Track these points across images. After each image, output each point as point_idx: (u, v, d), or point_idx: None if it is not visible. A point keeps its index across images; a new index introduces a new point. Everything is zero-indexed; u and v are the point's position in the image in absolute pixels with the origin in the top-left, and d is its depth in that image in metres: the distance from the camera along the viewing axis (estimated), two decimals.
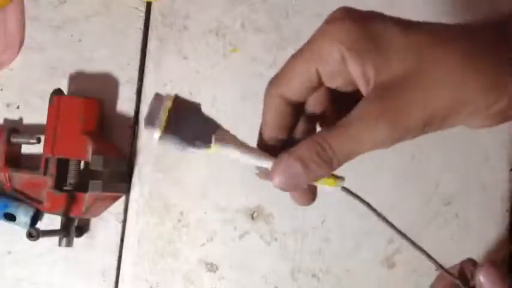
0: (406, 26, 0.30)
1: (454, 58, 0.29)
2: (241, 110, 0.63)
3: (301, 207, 0.62)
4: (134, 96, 0.66)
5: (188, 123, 0.33)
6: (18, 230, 0.63)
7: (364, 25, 0.30)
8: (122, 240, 0.64)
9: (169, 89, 0.65)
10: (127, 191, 0.64)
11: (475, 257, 0.59)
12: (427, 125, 0.30)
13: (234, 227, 0.62)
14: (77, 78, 0.67)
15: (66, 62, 0.67)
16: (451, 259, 0.60)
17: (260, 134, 0.37)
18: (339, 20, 0.31)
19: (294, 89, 0.33)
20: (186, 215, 0.63)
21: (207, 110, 0.67)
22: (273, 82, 0.34)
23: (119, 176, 0.63)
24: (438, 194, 0.60)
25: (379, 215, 0.37)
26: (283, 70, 0.34)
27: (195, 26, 0.65)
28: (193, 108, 0.34)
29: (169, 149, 0.32)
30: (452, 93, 0.29)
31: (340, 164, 0.31)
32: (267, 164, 0.33)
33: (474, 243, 0.59)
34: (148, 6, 0.67)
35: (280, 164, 0.32)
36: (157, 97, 0.32)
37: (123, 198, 0.65)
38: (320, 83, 0.33)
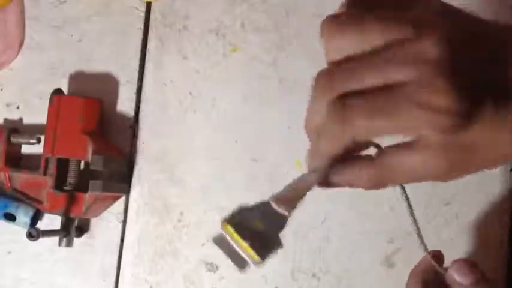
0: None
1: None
2: (241, 110, 0.63)
3: (301, 207, 0.62)
4: (134, 96, 0.66)
5: (257, 229, 0.33)
6: (18, 230, 0.63)
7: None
8: (122, 240, 0.64)
9: (169, 89, 0.65)
10: (127, 191, 0.64)
11: (475, 257, 0.59)
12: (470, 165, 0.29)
13: None
14: (77, 78, 0.67)
15: (66, 62, 0.67)
16: (451, 259, 0.60)
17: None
18: None
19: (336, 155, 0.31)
20: (186, 215, 0.63)
21: (207, 110, 0.67)
22: (313, 157, 0.34)
23: (118, 176, 0.63)
24: (438, 194, 0.60)
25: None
26: (317, 147, 0.33)
27: (195, 26, 0.65)
28: (245, 214, 0.33)
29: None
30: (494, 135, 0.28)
31: (385, 183, 0.30)
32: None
33: (474, 243, 0.59)
34: (148, 6, 0.67)
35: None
36: (220, 239, 0.33)
37: (123, 198, 0.65)
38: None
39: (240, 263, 0.31)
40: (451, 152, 0.28)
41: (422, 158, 0.28)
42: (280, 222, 0.32)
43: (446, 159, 0.28)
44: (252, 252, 0.30)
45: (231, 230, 0.32)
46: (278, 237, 0.32)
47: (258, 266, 0.30)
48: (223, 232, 0.32)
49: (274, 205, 0.32)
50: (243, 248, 0.31)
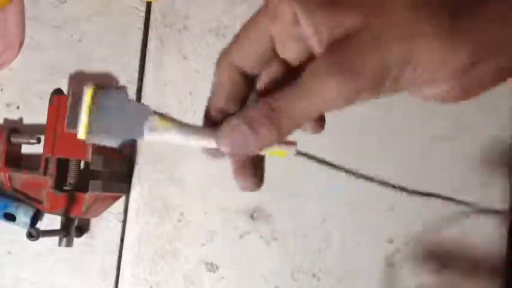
0: None
1: (406, 3, 0.26)
2: None
3: (301, 207, 0.62)
4: (134, 96, 0.66)
5: (114, 115, 0.30)
6: (18, 230, 0.63)
7: None
8: (122, 240, 0.64)
9: (169, 89, 0.65)
10: (127, 191, 0.64)
11: (475, 256, 0.59)
12: (379, 82, 0.26)
13: (234, 227, 0.62)
14: (77, 78, 0.67)
15: (66, 62, 0.67)
16: (452, 259, 0.60)
17: (207, 107, 0.33)
18: None
19: (246, 56, 0.31)
20: (186, 215, 0.63)
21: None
22: (226, 49, 0.32)
23: (118, 176, 0.63)
24: (438, 192, 0.60)
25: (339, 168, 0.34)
26: (236, 37, 0.31)
27: (195, 26, 0.65)
28: (118, 98, 0.30)
29: (102, 144, 0.29)
30: (403, 44, 0.26)
31: (291, 127, 0.28)
32: (214, 142, 0.30)
33: (474, 243, 0.59)
34: (148, 6, 0.67)
35: (227, 126, 0.29)
36: (75, 93, 0.30)
37: (123, 198, 0.65)
38: (274, 52, 0.31)
39: (71, 122, 0.29)
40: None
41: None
42: (135, 132, 0.29)
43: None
44: (86, 122, 0.29)
45: (90, 94, 0.29)
46: (119, 137, 0.29)
47: (80, 136, 0.29)
48: (84, 89, 0.29)
49: (151, 118, 0.30)
50: (84, 112, 0.29)
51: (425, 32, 0.25)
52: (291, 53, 0.31)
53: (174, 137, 0.30)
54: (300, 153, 0.33)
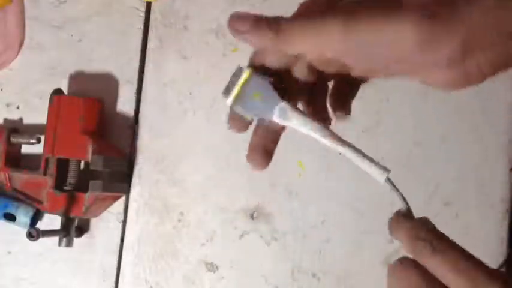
0: None
1: None
2: None
3: (301, 207, 0.62)
4: (134, 96, 0.66)
5: (256, 95, 0.36)
6: (18, 230, 0.63)
7: None
8: (122, 240, 0.64)
9: (169, 89, 0.65)
10: (127, 191, 0.64)
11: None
12: (372, 48, 0.27)
13: (234, 227, 0.62)
14: (77, 78, 0.67)
15: (66, 62, 0.67)
16: None
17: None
18: None
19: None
20: (186, 215, 0.63)
21: (207, 110, 0.67)
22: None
23: (119, 176, 0.63)
24: (438, 194, 0.60)
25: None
26: None
27: (195, 26, 0.65)
28: (265, 81, 0.36)
29: (241, 115, 0.36)
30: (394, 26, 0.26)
31: (286, 48, 0.32)
32: (326, 141, 0.34)
33: (474, 243, 0.59)
34: (148, 6, 0.67)
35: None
36: (239, 70, 0.37)
37: (123, 198, 0.65)
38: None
39: (226, 91, 0.36)
40: None
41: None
42: (266, 114, 0.36)
43: None
44: (235, 94, 0.36)
45: (247, 74, 0.36)
46: (254, 114, 0.36)
47: (228, 102, 0.36)
48: (243, 69, 0.37)
49: (281, 105, 0.35)
50: (237, 87, 0.36)
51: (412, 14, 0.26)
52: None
53: (294, 126, 0.35)
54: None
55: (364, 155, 0.35)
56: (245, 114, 0.36)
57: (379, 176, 0.36)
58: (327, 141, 0.34)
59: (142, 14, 0.67)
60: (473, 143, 0.60)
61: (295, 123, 0.35)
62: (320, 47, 0.29)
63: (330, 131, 0.34)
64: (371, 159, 0.35)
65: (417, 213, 0.54)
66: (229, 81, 0.37)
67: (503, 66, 0.27)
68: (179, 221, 0.63)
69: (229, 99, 0.36)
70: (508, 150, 0.60)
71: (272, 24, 0.33)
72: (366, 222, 0.61)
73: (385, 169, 0.36)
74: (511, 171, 0.60)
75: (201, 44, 0.65)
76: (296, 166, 0.61)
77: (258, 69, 0.36)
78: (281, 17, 0.33)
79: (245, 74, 0.36)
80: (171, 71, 0.65)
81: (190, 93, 0.65)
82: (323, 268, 0.61)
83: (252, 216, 0.62)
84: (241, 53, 0.64)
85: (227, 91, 0.37)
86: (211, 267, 0.62)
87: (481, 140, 0.60)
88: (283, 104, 0.35)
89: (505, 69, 0.28)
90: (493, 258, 0.58)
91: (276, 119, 0.35)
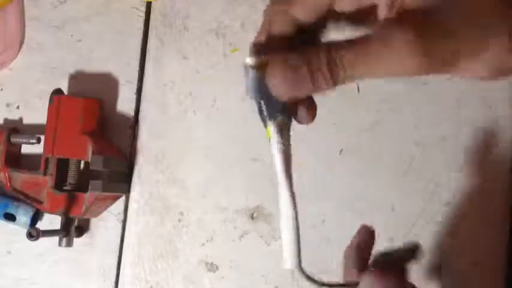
0: None
1: None
2: (241, 110, 0.63)
3: (301, 207, 0.62)
4: (134, 96, 0.66)
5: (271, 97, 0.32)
6: (18, 230, 0.63)
7: None
8: (122, 240, 0.64)
9: (169, 89, 0.65)
10: (127, 191, 0.64)
11: (475, 257, 0.59)
12: (448, 65, 0.27)
13: (234, 227, 0.62)
14: (77, 78, 0.67)
15: (66, 62, 0.67)
16: (451, 259, 0.60)
17: (255, 42, 0.33)
18: None
19: (303, 7, 0.30)
20: (186, 215, 0.63)
21: (207, 110, 0.67)
22: None
23: (119, 176, 0.63)
24: (438, 194, 0.60)
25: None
26: None
27: (195, 26, 0.65)
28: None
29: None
30: (476, 34, 0.26)
31: (347, 81, 0.28)
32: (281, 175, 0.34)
33: (474, 243, 0.59)
34: (148, 6, 0.67)
35: (282, 58, 0.28)
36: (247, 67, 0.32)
37: (123, 198, 0.65)
38: (331, 6, 0.30)
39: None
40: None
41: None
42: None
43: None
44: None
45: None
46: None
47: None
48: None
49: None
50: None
51: (495, 24, 0.27)
52: (349, 7, 0.30)
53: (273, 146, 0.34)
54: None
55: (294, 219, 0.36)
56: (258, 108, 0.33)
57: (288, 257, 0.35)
58: (281, 175, 0.33)
59: (142, 14, 0.67)
60: (473, 142, 0.60)
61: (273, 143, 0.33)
62: (392, 73, 0.28)
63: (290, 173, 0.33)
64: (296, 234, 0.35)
65: (417, 213, 0.54)
66: (248, 81, 0.33)
67: None
68: (179, 221, 0.63)
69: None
70: (508, 149, 0.60)
71: (327, 71, 0.28)
72: (366, 222, 0.60)
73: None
74: (511, 171, 0.60)
75: (201, 44, 0.65)
76: (296, 166, 0.61)
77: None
78: (333, 53, 0.28)
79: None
80: (171, 71, 0.65)
81: (190, 93, 0.65)
82: (323, 268, 0.61)
83: (252, 216, 0.62)
84: (241, 53, 0.64)
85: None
86: (211, 267, 0.62)
87: (481, 140, 0.60)
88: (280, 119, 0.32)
89: None
90: (493, 258, 0.58)
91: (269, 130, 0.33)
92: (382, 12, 0.29)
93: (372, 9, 0.30)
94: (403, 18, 0.27)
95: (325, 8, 0.30)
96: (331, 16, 0.31)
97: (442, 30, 0.26)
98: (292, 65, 0.28)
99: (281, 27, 0.31)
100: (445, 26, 0.26)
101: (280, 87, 0.29)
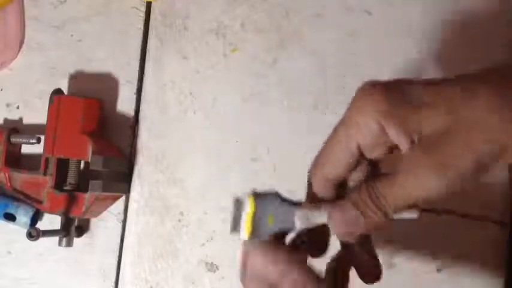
0: (435, 83, 0.32)
1: (487, 102, 0.30)
2: (241, 110, 0.63)
3: None
4: (134, 96, 0.66)
5: (269, 221, 0.36)
6: (18, 230, 0.63)
7: (394, 92, 0.32)
8: (122, 240, 0.64)
9: (169, 89, 0.65)
10: (127, 191, 0.64)
11: (475, 257, 0.59)
12: (474, 175, 0.31)
13: None
14: (77, 78, 0.67)
15: (66, 62, 0.67)
16: (451, 259, 0.60)
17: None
18: (368, 94, 0.33)
19: (337, 168, 0.35)
20: (186, 215, 0.63)
21: (207, 110, 0.67)
22: (317, 164, 0.36)
23: (119, 176, 0.63)
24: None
25: None
26: (325, 152, 0.36)
27: (195, 26, 0.65)
28: (271, 199, 0.36)
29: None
30: (494, 135, 0.30)
31: (394, 211, 0.33)
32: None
33: (474, 243, 0.59)
34: (148, 6, 0.67)
35: (336, 208, 0.34)
36: (237, 202, 0.36)
37: (123, 198, 0.65)
38: (361, 156, 0.35)
39: (235, 227, 0.35)
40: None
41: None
42: (287, 226, 0.35)
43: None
44: (248, 230, 0.35)
45: (252, 204, 0.35)
46: (275, 235, 0.35)
47: (242, 238, 0.35)
48: (245, 200, 0.36)
49: (297, 216, 0.36)
50: (245, 220, 0.35)
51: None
52: (378, 153, 0.35)
53: (320, 221, 0.35)
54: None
55: None
56: (264, 238, 0.35)
57: None
58: None
59: (142, 14, 0.67)
60: None
61: (319, 220, 0.35)
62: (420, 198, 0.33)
63: None
64: None
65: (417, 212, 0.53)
66: (232, 218, 0.36)
67: None
68: (179, 221, 0.63)
69: (243, 235, 0.35)
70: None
71: (372, 205, 0.33)
72: None
73: None
74: (511, 172, 0.60)
75: (201, 44, 0.65)
76: (296, 166, 0.61)
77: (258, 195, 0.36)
78: (369, 190, 0.33)
79: (249, 204, 0.35)
80: (171, 71, 0.65)
81: (191, 93, 0.65)
82: (323, 268, 0.61)
83: None
84: (241, 53, 0.64)
85: (235, 227, 0.35)
86: (211, 267, 0.62)
87: None
88: (301, 212, 0.35)
89: None
90: (492, 260, 0.58)
91: (299, 226, 0.35)
92: (405, 150, 0.33)
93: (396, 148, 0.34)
94: (417, 149, 0.32)
95: (355, 162, 0.35)
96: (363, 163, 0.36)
97: (452, 149, 0.31)
98: (345, 209, 0.34)
99: (323, 190, 0.37)
100: (449, 152, 0.31)
101: (343, 232, 0.35)
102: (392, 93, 0.32)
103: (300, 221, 0.35)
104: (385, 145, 0.34)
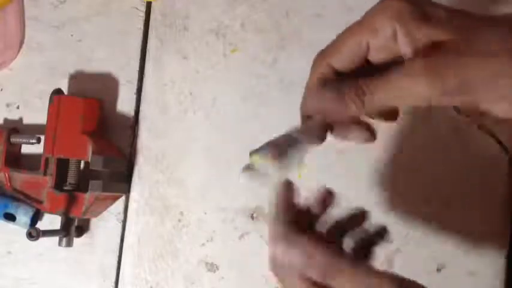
0: (453, 10, 0.33)
1: (495, 31, 0.31)
2: (241, 110, 0.63)
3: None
4: (134, 96, 0.66)
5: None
6: (18, 230, 0.63)
7: (417, 6, 0.33)
8: (122, 240, 0.64)
9: (169, 89, 0.65)
10: (127, 191, 0.64)
11: (475, 256, 0.59)
12: (462, 93, 0.31)
13: (234, 227, 0.62)
14: (77, 78, 0.67)
15: (66, 62, 0.67)
16: (452, 259, 0.60)
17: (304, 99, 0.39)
18: (392, 0, 0.34)
19: (343, 59, 0.36)
20: (186, 215, 0.63)
21: (207, 110, 0.67)
22: (325, 51, 0.37)
23: (119, 176, 0.63)
24: (438, 194, 0.60)
25: None
26: (335, 41, 0.36)
27: (195, 26, 0.65)
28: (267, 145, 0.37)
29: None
30: (488, 64, 0.31)
31: (373, 108, 0.34)
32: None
33: (474, 243, 0.59)
34: (148, 6, 0.67)
35: (317, 88, 0.36)
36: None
37: (123, 198, 0.65)
38: (366, 57, 0.36)
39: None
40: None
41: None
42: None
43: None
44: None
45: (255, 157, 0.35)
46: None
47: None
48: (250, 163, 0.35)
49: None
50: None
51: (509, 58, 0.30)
52: (380, 57, 0.36)
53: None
54: None
55: None
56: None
57: None
58: None
59: (142, 14, 0.67)
60: (473, 142, 0.60)
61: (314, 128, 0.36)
62: (406, 101, 0.33)
63: None
64: None
65: (417, 213, 0.54)
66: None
67: None
68: (179, 221, 0.63)
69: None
70: (508, 150, 0.60)
71: (355, 96, 0.34)
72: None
73: None
74: (511, 171, 0.60)
75: (201, 44, 0.65)
76: (296, 166, 0.61)
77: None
78: (360, 82, 0.34)
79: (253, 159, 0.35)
80: (171, 71, 0.65)
81: (191, 93, 0.65)
82: None
83: (252, 216, 0.62)
84: (241, 53, 0.64)
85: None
86: (211, 267, 0.62)
87: (481, 139, 0.60)
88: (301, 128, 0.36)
89: None
90: (493, 259, 0.58)
91: (301, 138, 0.36)
92: (407, 56, 0.34)
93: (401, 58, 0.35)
94: (416, 56, 0.33)
95: (360, 60, 0.36)
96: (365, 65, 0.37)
97: (451, 62, 0.31)
98: (324, 91, 0.36)
99: (320, 76, 0.37)
100: (454, 59, 0.31)
101: (312, 108, 0.37)
102: (417, 6, 0.33)
103: (298, 133, 0.36)
104: (391, 52, 0.34)
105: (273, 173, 0.35)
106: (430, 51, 0.32)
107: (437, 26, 0.32)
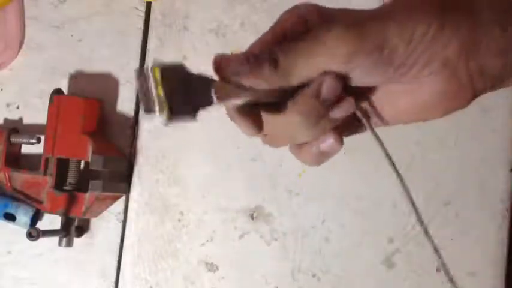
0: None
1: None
2: None
3: (301, 207, 0.62)
4: (134, 96, 0.66)
5: (183, 91, 0.31)
6: (18, 230, 0.63)
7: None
8: (122, 240, 0.64)
9: None
10: (127, 191, 0.64)
11: (475, 257, 0.59)
12: (379, 48, 0.28)
13: (234, 227, 0.62)
14: (77, 78, 0.67)
15: (66, 62, 0.67)
16: (452, 259, 0.60)
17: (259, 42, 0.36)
18: None
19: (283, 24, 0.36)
20: (186, 215, 0.63)
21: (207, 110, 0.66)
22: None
23: (119, 176, 0.63)
24: (438, 194, 0.60)
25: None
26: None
27: (195, 26, 0.65)
28: (181, 72, 0.32)
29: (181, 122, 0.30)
30: (402, 22, 0.28)
31: (286, 71, 0.31)
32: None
33: (474, 243, 0.59)
34: (148, 6, 0.67)
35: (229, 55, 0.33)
36: (141, 74, 0.29)
37: (123, 198, 0.65)
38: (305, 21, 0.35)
39: (148, 106, 0.29)
40: None
41: None
42: (205, 101, 0.31)
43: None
44: (165, 104, 0.29)
45: (158, 74, 0.30)
46: (195, 110, 0.30)
47: (163, 121, 0.29)
48: (149, 71, 0.29)
49: (212, 88, 0.32)
50: (158, 95, 0.29)
51: (418, 15, 0.28)
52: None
53: (236, 100, 0.31)
54: None
55: None
56: (187, 119, 0.29)
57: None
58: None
59: (142, 14, 0.67)
60: (473, 142, 0.60)
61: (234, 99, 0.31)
62: (324, 68, 0.30)
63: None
64: None
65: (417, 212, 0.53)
66: (142, 96, 0.29)
67: (494, 80, 0.31)
68: (179, 221, 0.63)
69: (162, 117, 0.29)
70: (508, 150, 0.60)
71: (266, 60, 0.32)
72: (366, 222, 0.61)
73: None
74: (511, 171, 0.60)
75: (201, 44, 0.65)
76: (296, 166, 0.61)
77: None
78: (274, 49, 0.32)
79: (157, 78, 0.29)
80: None
81: None
82: (323, 268, 0.61)
83: (252, 216, 0.62)
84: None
85: (148, 107, 0.29)
86: (211, 267, 0.62)
87: (481, 139, 0.60)
88: (219, 84, 0.31)
89: (496, 86, 0.31)
90: (493, 258, 0.58)
91: (216, 101, 0.31)
92: None
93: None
94: (338, 15, 0.31)
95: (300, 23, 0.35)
96: None
97: (371, 18, 0.29)
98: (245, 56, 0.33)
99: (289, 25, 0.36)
100: (373, 13, 0.29)
101: (221, 69, 0.34)
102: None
103: (217, 95, 0.30)
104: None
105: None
106: (351, 11, 0.31)
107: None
